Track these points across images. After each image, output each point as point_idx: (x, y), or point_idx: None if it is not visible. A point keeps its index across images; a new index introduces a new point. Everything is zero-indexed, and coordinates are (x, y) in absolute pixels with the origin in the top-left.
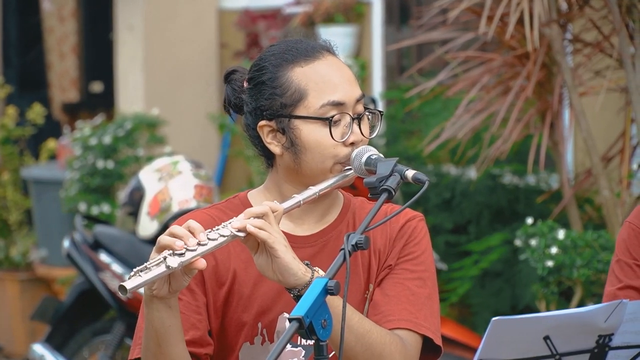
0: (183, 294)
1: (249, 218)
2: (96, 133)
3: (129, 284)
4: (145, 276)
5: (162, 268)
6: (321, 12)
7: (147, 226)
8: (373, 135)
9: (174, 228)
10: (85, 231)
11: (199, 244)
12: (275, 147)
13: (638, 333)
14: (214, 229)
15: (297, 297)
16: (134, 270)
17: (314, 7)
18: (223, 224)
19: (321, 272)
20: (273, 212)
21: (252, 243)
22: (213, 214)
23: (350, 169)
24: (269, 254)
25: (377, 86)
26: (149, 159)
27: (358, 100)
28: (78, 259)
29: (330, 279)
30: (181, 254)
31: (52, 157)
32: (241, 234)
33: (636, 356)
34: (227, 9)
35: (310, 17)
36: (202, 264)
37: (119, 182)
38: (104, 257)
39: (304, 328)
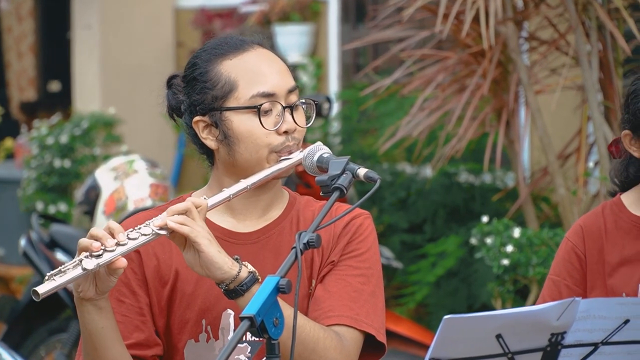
0: (125, 296)
1: (172, 215)
2: (53, 132)
3: (41, 289)
4: (60, 280)
5: (78, 270)
6: (277, 11)
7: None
8: (308, 125)
9: (93, 230)
10: (41, 230)
11: (117, 245)
12: (210, 142)
13: (590, 331)
14: (135, 228)
15: (227, 292)
16: (49, 274)
17: (270, 6)
18: (146, 222)
19: (250, 267)
20: (197, 208)
21: (179, 239)
22: (155, 215)
23: (286, 159)
24: (195, 249)
25: (333, 85)
26: (106, 157)
27: (291, 91)
28: (34, 257)
29: (281, 277)
30: (98, 256)
31: (10, 156)
32: (163, 232)
33: (588, 354)
34: (183, 8)
35: (266, 16)
36: (122, 263)
37: (75, 181)
38: (60, 256)
39: (256, 327)
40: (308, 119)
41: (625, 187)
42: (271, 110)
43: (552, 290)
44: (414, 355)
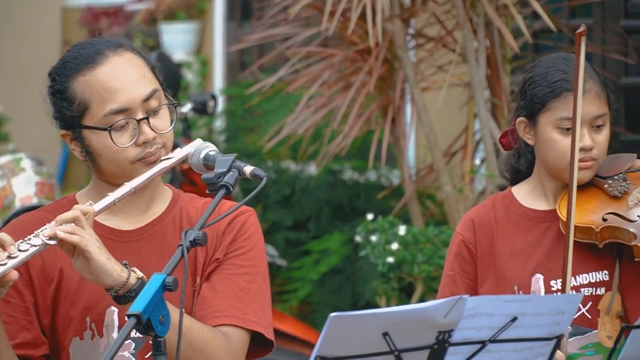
0: (11, 297)
1: (60, 224)
2: None
3: None
4: None
5: None
6: (163, 9)
7: None
8: (171, 127)
9: None
10: None
11: (9, 257)
12: (78, 154)
13: (478, 329)
14: (25, 239)
15: (116, 298)
16: None
17: (156, 4)
18: (35, 232)
19: (139, 272)
20: (85, 215)
21: (68, 247)
22: (42, 216)
23: (167, 159)
24: (85, 257)
25: (218, 82)
26: None
27: (148, 98)
28: None
29: (168, 275)
30: None
31: None
32: (52, 242)
33: (476, 352)
34: (70, 6)
35: (152, 14)
36: (14, 275)
37: None
38: None
39: (142, 324)
40: (171, 121)
41: (515, 180)
42: (127, 124)
43: (450, 285)
44: (297, 353)
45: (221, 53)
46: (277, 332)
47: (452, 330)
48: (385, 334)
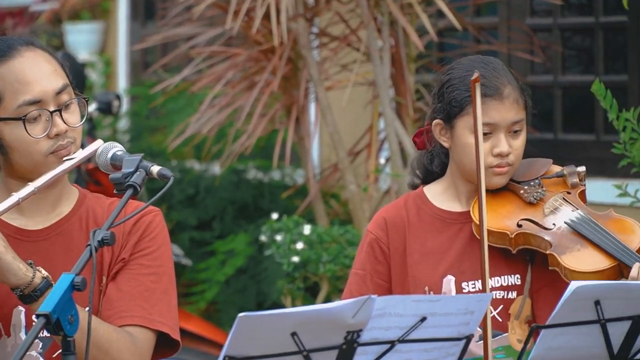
0: None
1: None
2: None
3: None
4: None
5: None
6: (67, 9)
7: None
8: (82, 122)
9: None
10: None
11: None
12: None
13: (387, 329)
14: None
15: (21, 297)
16: None
17: (60, 5)
18: None
19: (44, 272)
20: None
21: None
22: None
23: (70, 159)
24: None
25: (122, 82)
26: None
27: (60, 92)
28: None
29: (76, 274)
30: None
31: None
32: None
33: (385, 352)
34: None
35: (56, 15)
36: None
37: None
38: None
39: (52, 324)
40: (82, 116)
41: (427, 179)
42: (40, 116)
43: (360, 284)
44: (203, 353)
45: (125, 53)
46: (183, 332)
47: (360, 330)
48: (293, 334)
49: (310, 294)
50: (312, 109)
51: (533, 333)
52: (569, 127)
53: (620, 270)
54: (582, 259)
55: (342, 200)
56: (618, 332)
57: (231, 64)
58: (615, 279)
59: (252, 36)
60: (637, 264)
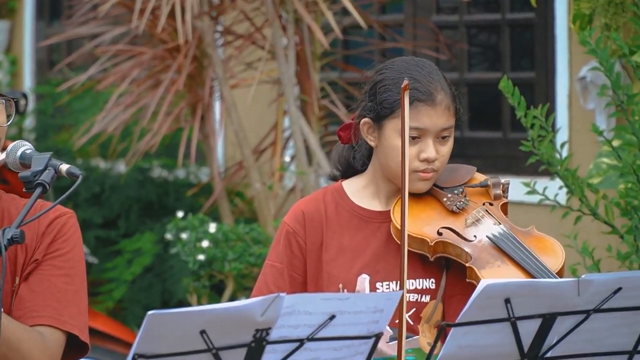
0: None
1: None
2: None
3: None
4: None
5: None
6: None
7: None
8: (9, 123)
9: None
10: None
11: None
12: None
13: (295, 327)
14: None
15: None
16: None
17: None
18: None
19: None
20: None
21: None
22: None
23: None
24: None
25: (28, 81)
26: None
27: None
28: None
29: None
30: None
31: None
32: None
33: (294, 350)
34: None
35: None
36: None
37: None
38: None
39: None
40: (9, 116)
41: (346, 174)
42: None
43: (276, 277)
44: (111, 351)
45: (30, 51)
46: (91, 330)
47: (269, 329)
48: (202, 332)
49: (216, 292)
50: (217, 107)
51: (442, 332)
52: (476, 124)
53: None
54: (502, 275)
55: (246, 199)
56: (528, 330)
57: (136, 62)
58: None
59: (158, 35)
60: None
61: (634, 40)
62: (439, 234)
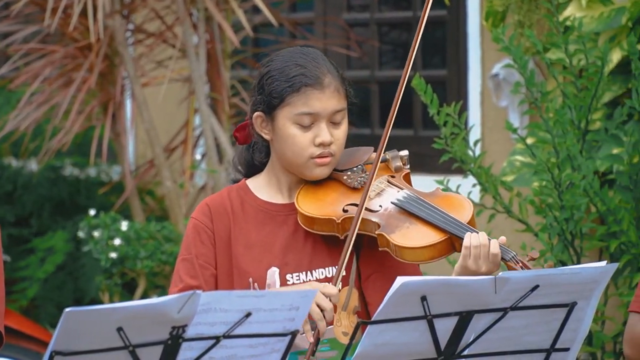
0: None
1: None
2: None
3: None
4: None
5: None
6: None
7: None
8: None
9: None
10: None
11: None
12: None
13: (212, 324)
14: None
15: None
16: None
17: None
18: None
19: None
20: None
21: None
22: None
23: None
24: None
25: None
26: None
27: None
28: None
29: None
30: None
31: None
32: None
33: (210, 348)
34: None
35: None
36: None
37: None
38: None
39: None
40: None
41: (249, 173)
42: None
43: (188, 268)
44: (25, 349)
45: None
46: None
47: (186, 326)
48: (119, 329)
49: (128, 290)
50: (129, 105)
51: (359, 328)
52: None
53: (452, 243)
54: (412, 235)
55: (157, 197)
56: (445, 328)
57: (48, 61)
58: (447, 253)
59: (69, 33)
60: (468, 233)
61: (548, 37)
62: (345, 211)
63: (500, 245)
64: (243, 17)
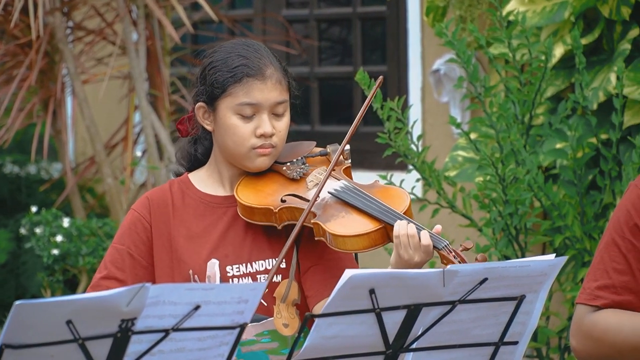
0: None
1: None
2: None
3: None
4: None
5: None
6: None
7: None
8: None
9: None
10: None
11: None
12: None
13: (161, 317)
14: None
15: None
16: None
17: None
18: None
19: None
20: None
21: None
22: None
23: None
24: None
25: None
26: None
27: None
28: None
29: None
30: None
31: None
32: None
33: (159, 341)
34: None
35: None
36: None
37: None
38: None
39: None
40: None
41: (192, 167)
42: None
43: (114, 256)
44: None
45: None
46: None
47: (135, 319)
48: (69, 322)
49: (69, 287)
50: (69, 102)
51: (307, 322)
52: (326, 118)
53: (387, 233)
54: (347, 224)
55: (97, 194)
56: (394, 321)
57: None
58: (382, 242)
59: (10, 30)
60: (398, 221)
61: (491, 32)
62: (283, 201)
63: (432, 235)
64: (183, 13)
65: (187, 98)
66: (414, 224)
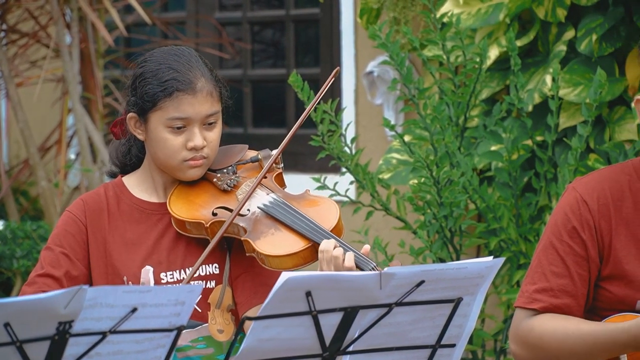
0: None
1: None
2: None
3: None
4: None
5: None
6: None
7: None
8: None
9: None
10: None
11: None
12: None
13: (98, 319)
14: None
15: None
16: None
17: None
18: None
19: None
20: None
21: None
22: None
23: None
24: None
25: None
26: None
27: None
28: None
29: None
30: None
31: None
32: None
33: (97, 343)
34: None
35: None
36: None
37: None
38: None
39: None
40: None
41: (125, 169)
42: None
43: (51, 258)
44: None
45: None
46: None
47: (72, 321)
48: (6, 325)
49: (3, 290)
50: (3, 105)
51: (243, 326)
52: (259, 121)
53: (315, 250)
54: (276, 243)
55: (31, 197)
56: (330, 324)
57: None
58: (312, 260)
59: None
60: (324, 240)
61: (425, 34)
62: (214, 214)
63: (358, 256)
64: (117, 16)
65: (121, 101)
66: (341, 243)
